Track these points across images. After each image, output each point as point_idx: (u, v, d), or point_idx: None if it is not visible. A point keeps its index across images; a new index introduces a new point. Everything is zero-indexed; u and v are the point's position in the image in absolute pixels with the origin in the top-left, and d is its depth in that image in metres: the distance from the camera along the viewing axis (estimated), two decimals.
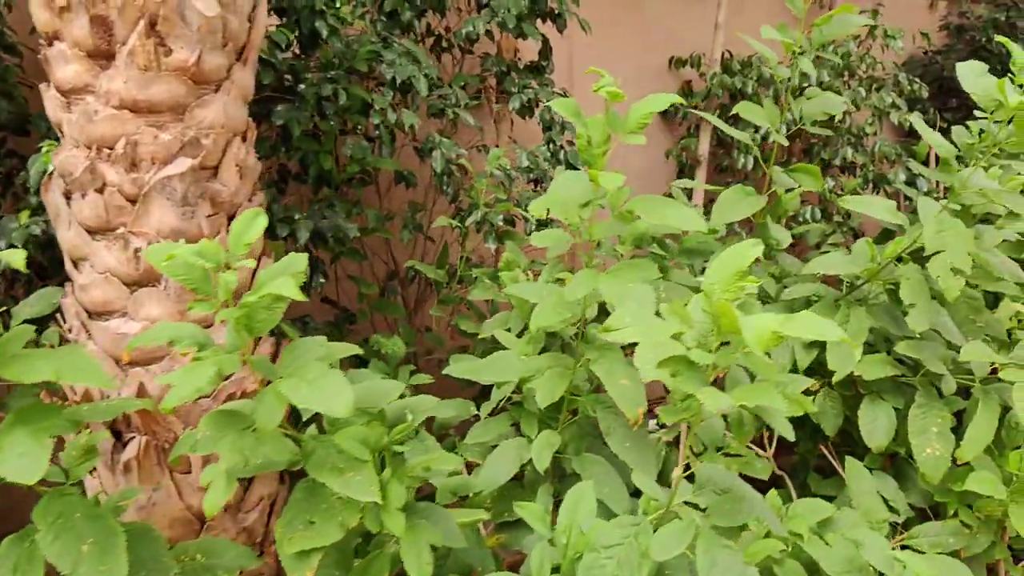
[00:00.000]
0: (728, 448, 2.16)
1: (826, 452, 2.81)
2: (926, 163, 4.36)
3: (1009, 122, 2.02)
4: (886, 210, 2.31)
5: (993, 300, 3.38)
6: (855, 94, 4.27)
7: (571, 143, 3.56)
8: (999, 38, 2.10)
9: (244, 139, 2.08)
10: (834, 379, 2.46)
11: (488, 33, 3.50)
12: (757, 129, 4.29)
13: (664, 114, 5.00)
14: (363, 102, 2.99)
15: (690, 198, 4.79)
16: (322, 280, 3.15)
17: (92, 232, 1.93)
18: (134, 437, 1.95)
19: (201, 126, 1.93)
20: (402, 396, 2.79)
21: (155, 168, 1.88)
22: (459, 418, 2.56)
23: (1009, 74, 2.06)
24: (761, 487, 2.89)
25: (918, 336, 2.40)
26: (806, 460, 3.06)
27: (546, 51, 3.92)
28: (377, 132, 3.22)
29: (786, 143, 2.51)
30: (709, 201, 5.09)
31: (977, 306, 2.75)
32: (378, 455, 1.66)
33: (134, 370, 1.92)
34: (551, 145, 3.47)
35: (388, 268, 3.76)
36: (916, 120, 2.30)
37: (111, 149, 1.86)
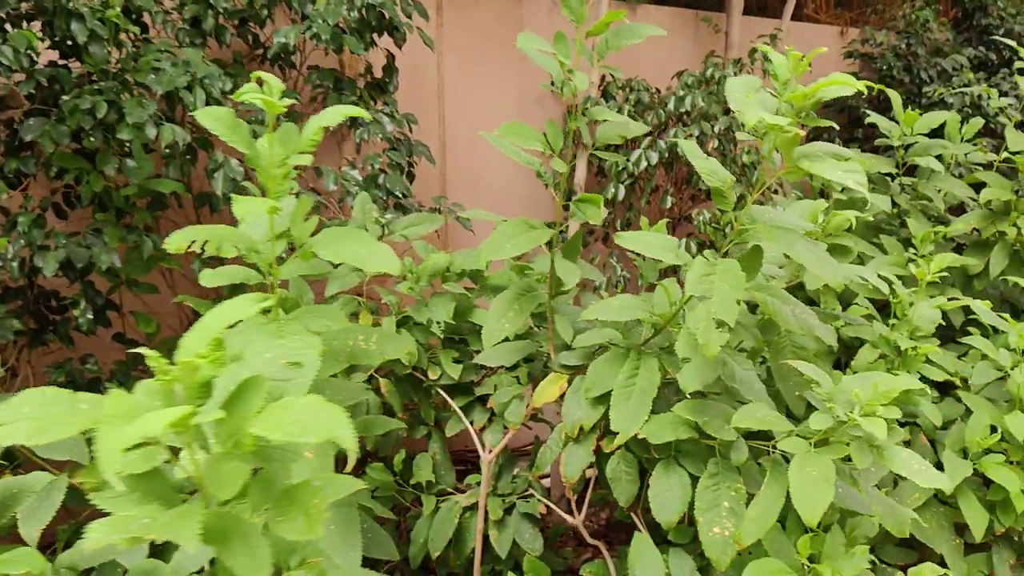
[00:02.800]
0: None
1: (635, 520, 2.47)
2: (825, 194, 4.08)
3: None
4: (664, 248, 1.99)
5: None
6: (731, 121, 3.99)
7: (393, 166, 3.24)
8: (763, 47, 1.80)
9: None
10: (616, 442, 2.13)
11: (337, 48, 3.18)
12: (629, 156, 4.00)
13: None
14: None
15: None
16: (89, 316, 2.80)
17: None
18: None
19: None
20: None
21: None
22: None
23: (770, 89, 1.76)
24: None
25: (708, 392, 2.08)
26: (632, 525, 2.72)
27: (390, 68, 3.62)
28: (168, 150, 2.90)
29: (564, 169, 2.19)
30: (588, 233, 4.78)
31: (804, 356, 2.44)
32: None
33: None
34: (372, 167, 3.14)
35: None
36: (684, 143, 1.99)
37: None
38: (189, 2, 3.01)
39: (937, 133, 3.78)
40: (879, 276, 2.67)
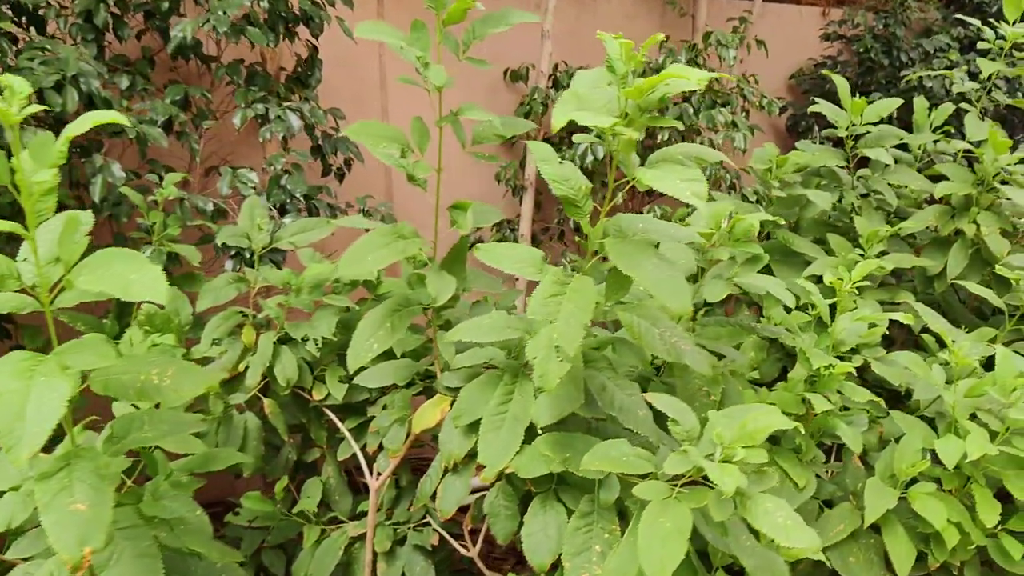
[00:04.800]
0: None
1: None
2: None
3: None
4: (525, 263, 1.77)
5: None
6: (681, 110, 3.74)
7: (296, 166, 3.04)
8: (601, 34, 1.56)
9: None
10: (484, 475, 1.92)
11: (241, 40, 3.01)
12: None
13: None
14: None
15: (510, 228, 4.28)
16: None
17: None
18: None
19: None
20: None
21: None
22: None
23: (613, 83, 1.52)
24: None
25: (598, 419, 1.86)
26: None
27: (312, 60, 3.42)
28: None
29: (426, 173, 1.96)
30: (543, 230, 4.56)
31: (713, 377, 2.21)
32: None
33: None
34: (275, 168, 2.94)
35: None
36: (534, 144, 1.77)
37: None
38: None
39: (907, 122, 3.51)
40: (809, 283, 2.43)
